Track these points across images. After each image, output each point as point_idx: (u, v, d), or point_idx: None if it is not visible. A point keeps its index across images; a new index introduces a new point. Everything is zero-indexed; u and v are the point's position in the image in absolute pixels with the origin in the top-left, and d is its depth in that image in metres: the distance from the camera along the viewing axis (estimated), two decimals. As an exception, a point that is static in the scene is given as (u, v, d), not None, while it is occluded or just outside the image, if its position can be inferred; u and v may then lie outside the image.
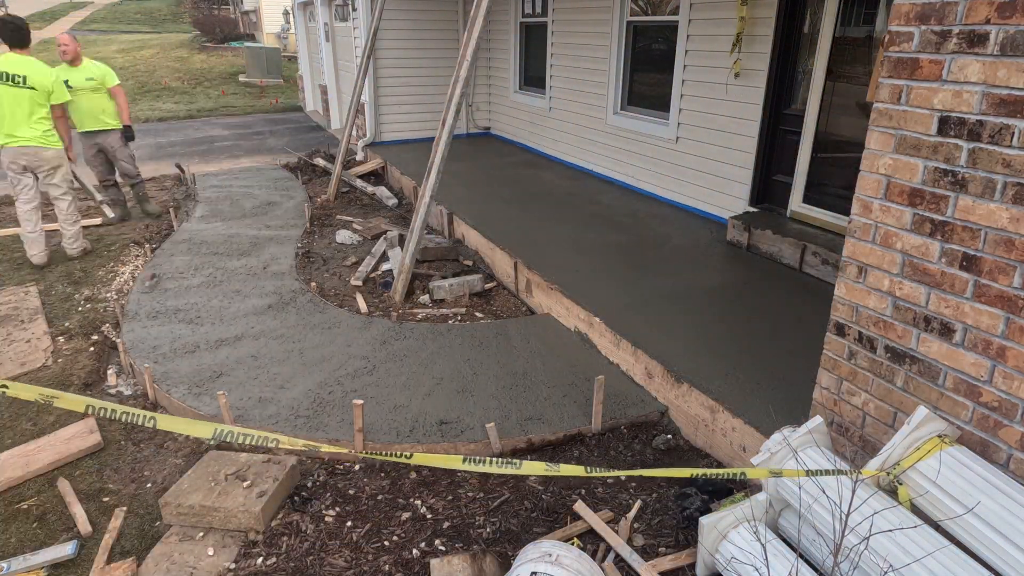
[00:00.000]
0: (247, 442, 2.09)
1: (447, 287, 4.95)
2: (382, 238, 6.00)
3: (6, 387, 2.03)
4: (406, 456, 2.10)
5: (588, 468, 2.18)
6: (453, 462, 2.15)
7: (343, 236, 6.26)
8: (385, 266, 5.61)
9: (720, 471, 2.24)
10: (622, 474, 2.21)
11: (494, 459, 2.13)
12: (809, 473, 2.07)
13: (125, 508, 2.95)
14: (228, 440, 2.11)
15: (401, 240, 5.83)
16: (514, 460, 2.13)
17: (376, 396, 3.61)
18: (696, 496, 2.85)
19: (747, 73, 5.16)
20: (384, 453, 2.11)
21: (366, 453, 2.14)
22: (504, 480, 3.07)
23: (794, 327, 3.83)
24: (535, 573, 2.12)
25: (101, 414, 2.03)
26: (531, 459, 3.22)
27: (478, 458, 2.11)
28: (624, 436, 3.41)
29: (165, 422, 2.12)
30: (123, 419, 2.04)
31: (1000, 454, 2.08)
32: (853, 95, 4.60)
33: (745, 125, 5.29)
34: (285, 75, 18.59)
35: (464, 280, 5.04)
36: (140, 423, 2.05)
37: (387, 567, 2.59)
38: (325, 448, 2.14)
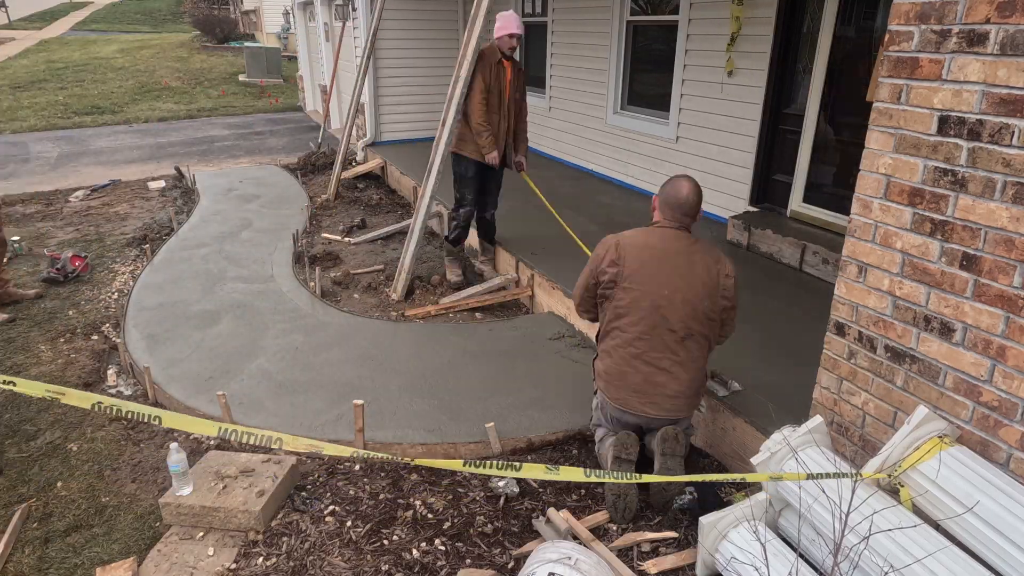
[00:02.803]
0: (250, 441, 2.07)
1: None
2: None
3: (13, 383, 2.02)
4: (407, 459, 2.09)
5: (587, 471, 2.17)
6: (454, 465, 2.14)
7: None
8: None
9: (726, 476, 2.23)
10: (623, 481, 2.19)
11: (494, 461, 2.11)
12: (811, 476, 2.06)
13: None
14: (231, 439, 2.10)
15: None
16: (514, 463, 2.12)
17: (372, 397, 3.60)
18: (688, 493, 2.87)
19: (747, 73, 5.16)
20: (384, 458, 2.10)
21: (367, 452, 2.13)
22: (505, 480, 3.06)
23: (794, 326, 3.82)
24: (552, 574, 2.12)
25: (108, 412, 2.01)
26: (531, 459, 3.22)
27: (477, 460, 2.10)
28: (624, 436, 3.40)
29: (169, 420, 2.11)
30: (128, 417, 2.02)
31: (1000, 454, 2.07)
32: (853, 95, 4.59)
33: (745, 125, 5.29)
34: (285, 75, 18.59)
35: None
36: (146, 420, 2.04)
37: (387, 567, 2.59)
38: (327, 451, 2.12)
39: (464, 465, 2.08)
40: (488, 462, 2.10)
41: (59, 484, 3.16)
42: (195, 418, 2.17)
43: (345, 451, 2.14)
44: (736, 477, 2.23)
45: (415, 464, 3.21)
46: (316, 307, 4.78)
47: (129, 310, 4.75)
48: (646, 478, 2.23)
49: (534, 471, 2.15)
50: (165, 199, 8.05)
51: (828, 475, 2.08)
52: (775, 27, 4.90)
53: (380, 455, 2.11)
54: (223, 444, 3.41)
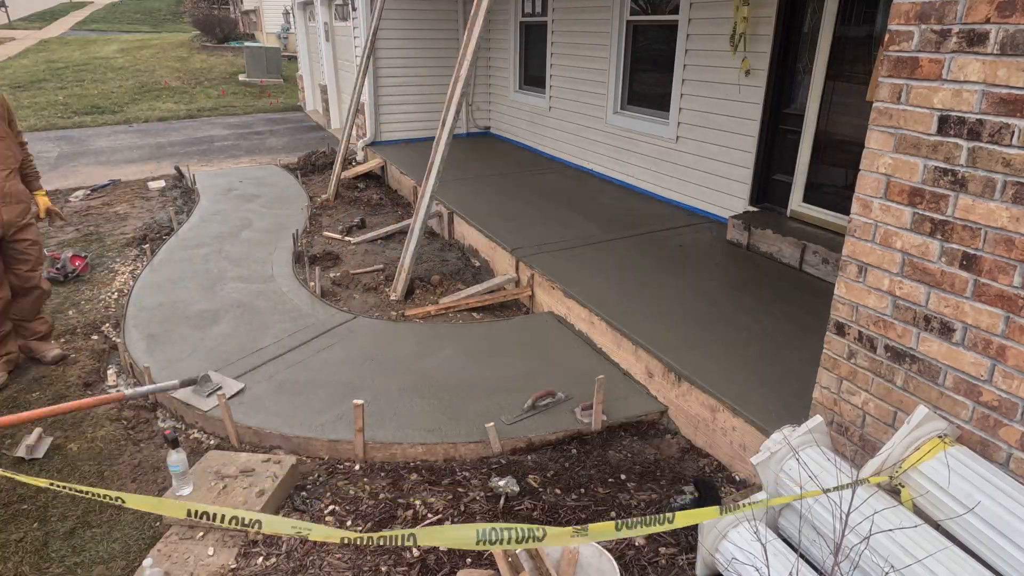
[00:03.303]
0: (223, 523, 1.80)
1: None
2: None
3: None
4: (409, 539, 1.75)
5: (618, 524, 1.86)
6: (466, 539, 1.77)
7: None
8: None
9: (744, 504, 2.17)
10: (648, 531, 1.93)
11: (512, 532, 1.78)
12: (825, 491, 2.04)
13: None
14: (203, 520, 1.80)
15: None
16: (536, 532, 1.81)
17: (372, 396, 3.61)
18: (689, 495, 2.88)
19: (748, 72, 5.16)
20: (383, 540, 1.74)
21: (361, 540, 1.73)
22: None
23: (794, 326, 3.82)
24: None
25: (66, 491, 1.83)
26: (531, 458, 3.23)
27: (495, 530, 1.77)
28: (623, 435, 3.41)
29: (134, 501, 1.90)
30: (88, 496, 1.85)
31: (1000, 453, 2.07)
32: (853, 94, 4.59)
33: (745, 124, 5.29)
34: (285, 75, 18.58)
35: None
36: (107, 502, 1.85)
37: (387, 567, 2.59)
38: (315, 535, 1.81)
39: (478, 544, 1.75)
40: (506, 535, 1.77)
41: (59, 484, 3.16)
42: (160, 499, 2.02)
43: (335, 535, 1.77)
44: (759, 504, 2.18)
45: (414, 464, 3.22)
46: (316, 307, 4.78)
47: (129, 310, 4.75)
48: (679, 518, 1.98)
49: (560, 539, 1.87)
50: (165, 199, 8.04)
51: (831, 489, 2.07)
52: (775, 27, 4.90)
53: (378, 535, 1.76)
54: (223, 445, 3.41)
